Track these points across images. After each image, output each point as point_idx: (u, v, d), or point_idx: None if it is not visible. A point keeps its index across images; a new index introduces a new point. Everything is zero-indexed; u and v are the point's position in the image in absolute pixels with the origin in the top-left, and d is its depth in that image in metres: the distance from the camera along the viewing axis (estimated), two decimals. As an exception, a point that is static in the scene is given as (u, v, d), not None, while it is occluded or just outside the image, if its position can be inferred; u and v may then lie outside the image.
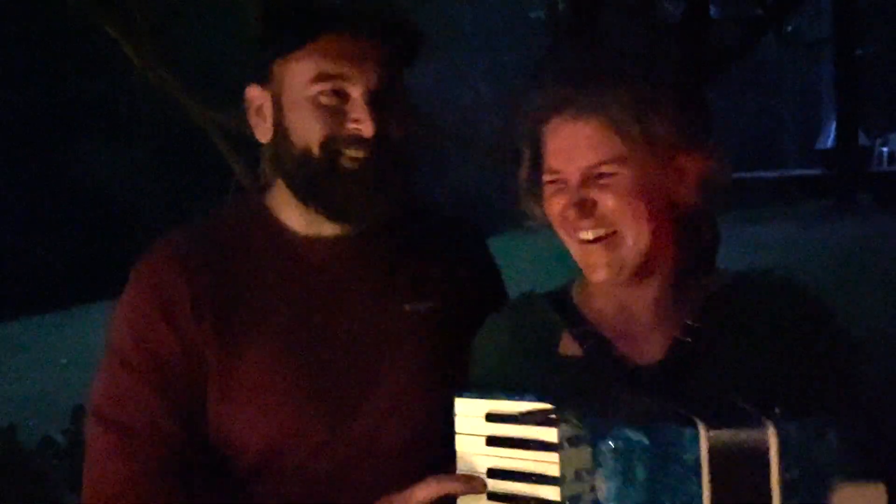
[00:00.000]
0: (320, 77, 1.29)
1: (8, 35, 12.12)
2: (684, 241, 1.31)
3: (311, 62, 1.29)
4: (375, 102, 1.29)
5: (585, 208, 1.25)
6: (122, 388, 1.33)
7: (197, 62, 5.64)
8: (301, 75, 1.30)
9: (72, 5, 3.80)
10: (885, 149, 18.46)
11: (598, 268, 1.27)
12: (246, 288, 1.34)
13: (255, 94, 1.36)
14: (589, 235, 1.26)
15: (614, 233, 1.26)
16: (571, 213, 1.26)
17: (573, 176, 1.26)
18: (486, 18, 19.45)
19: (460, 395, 1.22)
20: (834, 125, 17.66)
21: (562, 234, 1.30)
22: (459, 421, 1.21)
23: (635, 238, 1.25)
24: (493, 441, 1.19)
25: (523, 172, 1.34)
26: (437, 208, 1.53)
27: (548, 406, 1.16)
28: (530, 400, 1.17)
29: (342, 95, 1.30)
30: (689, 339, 1.28)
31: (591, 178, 1.25)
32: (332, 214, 1.35)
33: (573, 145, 1.26)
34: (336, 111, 1.29)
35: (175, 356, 1.32)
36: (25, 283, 12.10)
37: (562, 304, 1.36)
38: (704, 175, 1.28)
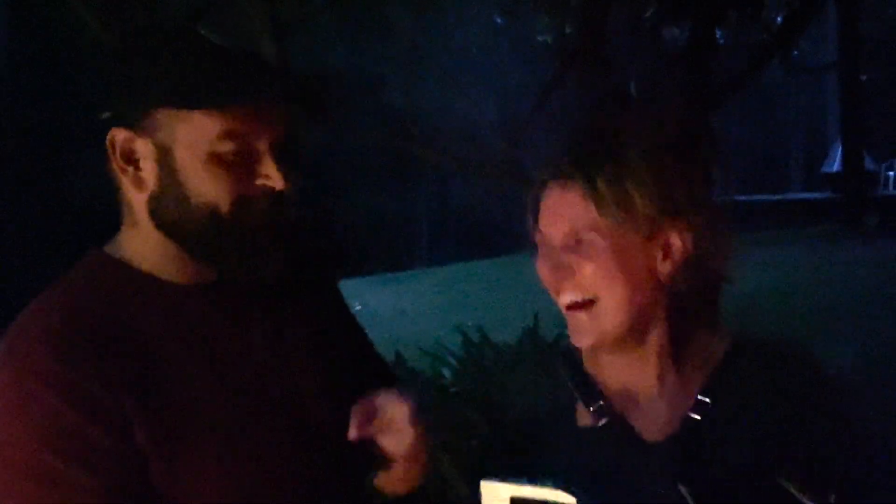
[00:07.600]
0: (228, 135, 1.19)
1: (31, 57, 12.28)
2: (677, 314, 1.29)
3: (218, 118, 1.19)
4: (280, 156, 1.23)
5: (562, 272, 1.26)
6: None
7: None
8: (204, 130, 1.19)
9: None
10: (891, 173, 18.48)
11: (579, 334, 1.28)
12: (150, 357, 1.21)
13: (125, 138, 1.21)
14: (567, 299, 1.27)
15: (593, 301, 1.26)
16: (552, 278, 1.28)
17: (555, 239, 1.27)
18: (493, 41, 19.55)
19: (486, 479, 1.17)
20: (840, 149, 17.66)
21: (552, 295, 1.31)
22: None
23: (614, 308, 1.25)
24: None
25: (531, 233, 1.35)
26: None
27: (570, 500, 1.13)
28: (551, 486, 1.14)
29: (247, 151, 1.21)
30: (699, 417, 1.27)
31: (570, 244, 1.26)
32: (230, 270, 1.26)
33: (558, 209, 1.28)
34: (243, 167, 1.21)
35: (104, 445, 1.14)
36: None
37: (575, 367, 1.36)
38: (692, 253, 1.26)
